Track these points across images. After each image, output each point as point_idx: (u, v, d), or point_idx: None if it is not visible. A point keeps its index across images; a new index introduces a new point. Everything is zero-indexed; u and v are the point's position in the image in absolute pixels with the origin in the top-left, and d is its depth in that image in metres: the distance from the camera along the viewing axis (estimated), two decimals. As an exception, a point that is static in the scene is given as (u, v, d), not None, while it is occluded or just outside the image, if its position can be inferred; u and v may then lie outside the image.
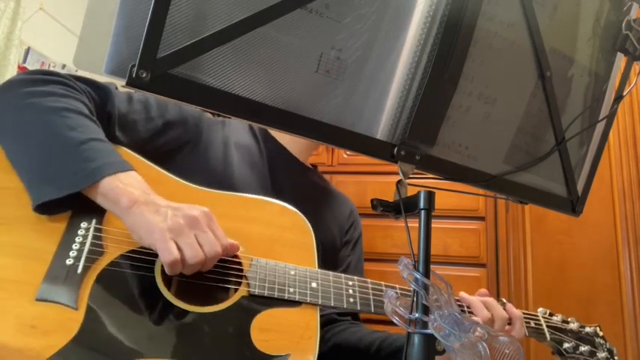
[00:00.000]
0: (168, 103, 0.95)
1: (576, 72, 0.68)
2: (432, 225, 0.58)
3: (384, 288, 0.88)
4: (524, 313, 0.97)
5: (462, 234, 2.06)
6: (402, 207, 0.61)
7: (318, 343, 0.77)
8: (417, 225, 0.59)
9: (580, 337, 1.00)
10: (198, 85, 0.47)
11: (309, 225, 0.88)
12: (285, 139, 1.09)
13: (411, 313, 0.55)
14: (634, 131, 2.04)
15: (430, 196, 0.59)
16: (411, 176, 0.59)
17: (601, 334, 1.04)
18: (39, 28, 2.40)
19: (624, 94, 0.72)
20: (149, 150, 0.89)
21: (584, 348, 0.98)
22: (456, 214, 2.07)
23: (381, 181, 2.15)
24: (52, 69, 2.49)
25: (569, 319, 1.03)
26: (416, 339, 0.54)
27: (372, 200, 0.64)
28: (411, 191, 0.60)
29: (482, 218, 2.10)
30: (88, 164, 0.72)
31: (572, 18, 0.66)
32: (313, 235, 0.88)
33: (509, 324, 0.93)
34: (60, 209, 0.74)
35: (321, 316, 0.81)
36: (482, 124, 0.63)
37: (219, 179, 0.93)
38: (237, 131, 1.05)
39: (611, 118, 0.73)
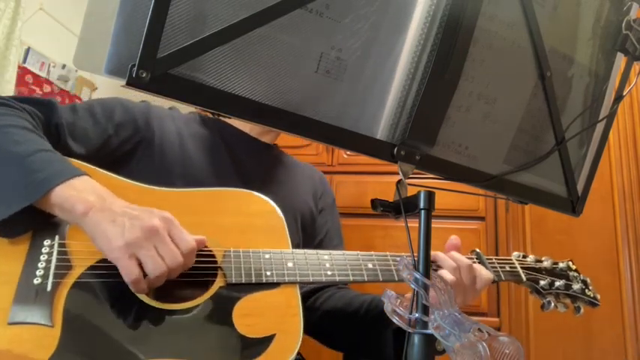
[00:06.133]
0: (114, 106, 0.93)
1: (576, 72, 0.68)
2: (432, 225, 0.58)
3: (359, 257, 0.89)
4: (497, 259, 1.00)
5: (462, 234, 2.05)
6: (402, 207, 0.61)
7: (302, 319, 0.78)
8: (417, 225, 0.59)
9: (554, 273, 1.03)
10: (198, 85, 0.47)
11: (276, 207, 0.88)
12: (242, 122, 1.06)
13: (411, 313, 0.55)
14: (634, 131, 2.04)
15: (430, 196, 0.59)
16: (411, 176, 0.59)
17: (574, 267, 1.07)
18: (39, 28, 2.40)
19: (624, 94, 0.72)
20: (104, 155, 0.88)
21: (559, 283, 1.00)
22: (456, 214, 2.07)
23: (381, 181, 2.15)
24: (51, 69, 2.49)
25: (542, 259, 1.06)
26: (416, 339, 0.54)
27: (372, 200, 0.64)
28: (411, 191, 0.60)
29: (482, 218, 2.10)
30: (36, 175, 0.69)
31: (572, 18, 0.66)
32: (282, 216, 0.87)
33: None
34: (19, 229, 0.72)
35: (305, 289, 0.80)
36: (483, 124, 0.63)
37: (180, 173, 0.92)
38: (188, 123, 1.03)
39: (611, 118, 0.73)
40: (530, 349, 1.93)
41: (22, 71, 2.33)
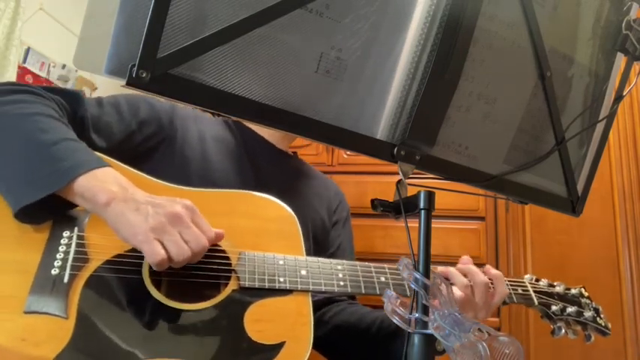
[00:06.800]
0: (140, 103, 0.94)
1: (576, 72, 0.68)
2: (432, 225, 0.58)
3: (372, 269, 0.89)
4: (510, 281, 0.98)
5: (462, 234, 2.06)
6: (402, 207, 0.61)
7: (312, 328, 0.78)
8: (417, 225, 0.59)
9: (566, 299, 1.01)
10: (198, 85, 0.47)
11: (292, 214, 0.88)
12: (263, 128, 1.07)
13: (411, 313, 0.55)
14: (634, 131, 2.04)
15: (430, 196, 0.59)
16: (411, 176, 0.59)
17: (586, 294, 1.05)
18: (39, 28, 2.40)
19: (624, 94, 0.72)
20: (126, 150, 0.88)
21: (571, 309, 0.99)
22: (456, 214, 2.07)
23: (381, 181, 2.15)
24: (51, 69, 2.49)
25: (555, 283, 1.04)
26: (416, 339, 0.54)
27: (372, 200, 0.64)
28: (411, 191, 0.60)
29: (482, 218, 2.10)
30: (61, 163, 0.71)
31: (572, 18, 0.66)
32: (298, 223, 0.87)
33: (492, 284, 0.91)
34: (41, 217, 0.73)
35: (316, 298, 0.80)
36: (483, 124, 0.63)
37: (199, 175, 0.93)
38: (211, 125, 1.03)
39: (611, 118, 0.73)
40: (530, 349, 1.93)
41: (22, 71, 2.34)
